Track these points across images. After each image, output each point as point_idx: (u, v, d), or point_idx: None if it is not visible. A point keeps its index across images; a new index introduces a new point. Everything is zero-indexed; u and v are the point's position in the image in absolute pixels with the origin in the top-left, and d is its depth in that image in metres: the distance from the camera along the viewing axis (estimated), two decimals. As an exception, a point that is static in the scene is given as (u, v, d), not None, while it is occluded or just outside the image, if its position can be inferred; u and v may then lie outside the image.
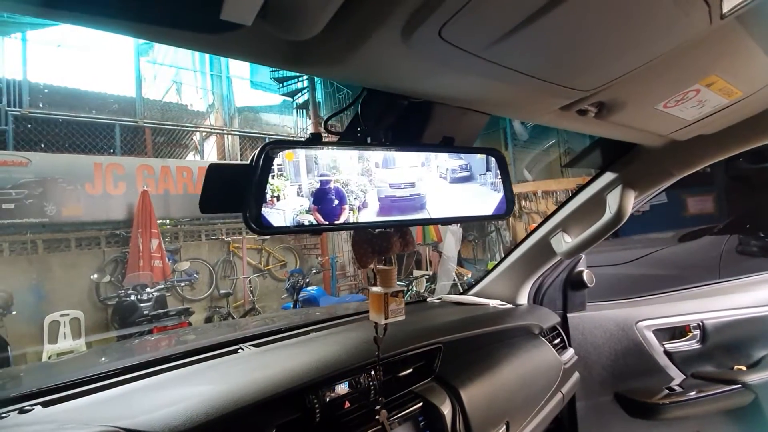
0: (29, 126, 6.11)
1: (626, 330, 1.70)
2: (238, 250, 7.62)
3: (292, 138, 7.59)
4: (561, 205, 1.42)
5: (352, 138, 0.60)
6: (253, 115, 9.12)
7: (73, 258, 5.94)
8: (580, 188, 1.35)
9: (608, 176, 1.24)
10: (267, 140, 8.91)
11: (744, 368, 1.71)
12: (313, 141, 0.51)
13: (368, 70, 0.47)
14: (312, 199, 0.51)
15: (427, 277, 7.38)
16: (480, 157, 0.67)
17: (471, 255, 8.88)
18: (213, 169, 0.47)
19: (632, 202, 1.20)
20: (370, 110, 0.59)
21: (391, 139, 0.60)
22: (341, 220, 0.53)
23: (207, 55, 8.73)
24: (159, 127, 7.45)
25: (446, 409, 0.90)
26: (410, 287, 6.88)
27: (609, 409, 1.67)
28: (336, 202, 0.52)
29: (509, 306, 1.54)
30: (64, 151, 6.25)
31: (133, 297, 5.09)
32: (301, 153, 0.51)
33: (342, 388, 0.83)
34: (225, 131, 8.40)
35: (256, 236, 7.91)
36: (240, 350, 1.08)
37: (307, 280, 6.20)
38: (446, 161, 0.64)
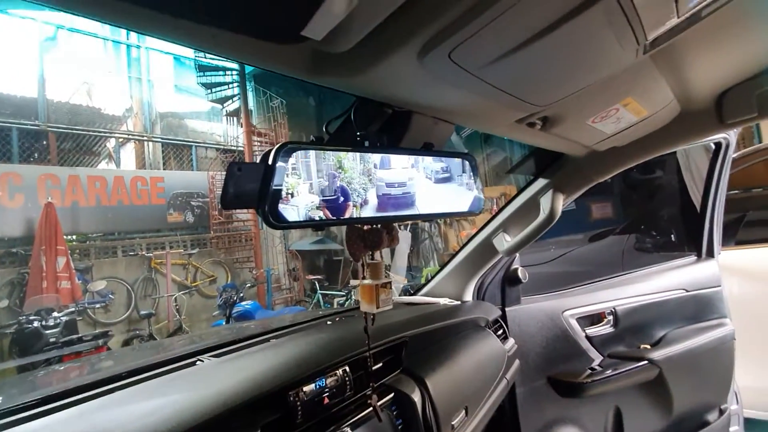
0: None
1: (554, 319, 1.91)
2: (161, 267, 7.06)
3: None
4: (502, 208, 1.58)
5: (350, 141, 0.65)
6: (177, 122, 8.55)
7: (-45, 282, 5.08)
8: (518, 193, 1.52)
9: (541, 182, 1.42)
10: (195, 148, 8.41)
11: (649, 347, 2.01)
12: (320, 143, 0.55)
13: (380, 84, 0.53)
14: (321, 196, 0.56)
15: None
16: (457, 161, 0.76)
17: (406, 263, 9.11)
18: (233, 168, 0.49)
19: (561, 204, 1.38)
20: (361, 117, 0.65)
21: (384, 143, 0.66)
22: (346, 215, 0.58)
23: (125, 57, 8.07)
24: (66, 131, 6.69)
25: (416, 398, 0.97)
26: (349, 296, 6.90)
27: (543, 392, 1.85)
28: (342, 199, 0.57)
29: (457, 302, 1.66)
30: (-56, 157, 5.35)
31: (36, 323, 4.47)
32: (311, 154, 0.55)
33: (320, 386, 0.85)
34: (145, 138, 7.78)
35: (181, 251, 7.40)
36: (199, 362, 1.05)
37: (242, 294, 5.92)
38: (431, 164, 0.72)
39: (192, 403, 0.72)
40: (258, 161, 0.50)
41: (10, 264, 5.55)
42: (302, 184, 0.53)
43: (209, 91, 8.23)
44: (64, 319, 4.70)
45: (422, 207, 0.68)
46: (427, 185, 0.70)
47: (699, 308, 2.07)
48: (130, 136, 7.77)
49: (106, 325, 6.18)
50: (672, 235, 2.72)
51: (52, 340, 4.30)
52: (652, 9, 0.48)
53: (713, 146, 2.04)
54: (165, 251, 7.05)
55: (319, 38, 0.37)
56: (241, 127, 7.92)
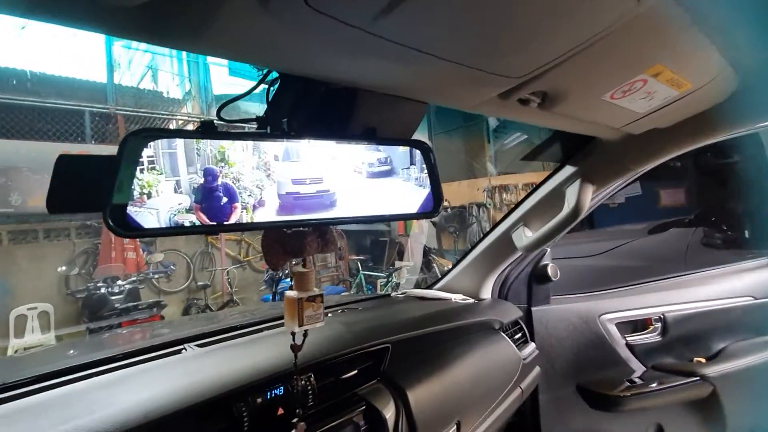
0: (-9, 111, 5.80)
1: (589, 323, 1.70)
2: (217, 241, 7.48)
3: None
4: (522, 200, 1.39)
5: (252, 127, 0.54)
6: (231, 104, 8.86)
7: (40, 250, 5.73)
8: (541, 182, 1.32)
9: (568, 170, 1.21)
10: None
11: (703, 360, 1.74)
12: (201, 131, 0.45)
13: (232, 44, 0.41)
14: (194, 196, 0.45)
15: (409, 267, 7.37)
16: (403, 150, 0.62)
17: (452, 246, 8.92)
18: (64, 161, 0.40)
19: (590, 197, 1.17)
20: (281, 96, 0.54)
21: (300, 130, 0.54)
22: (232, 220, 0.48)
23: (183, 40, 8.43)
24: (133, 114, 7.18)
25: (389, 413, 0.87)
26: (390, 278, 6.88)
27: (571, 402, 1.67)
28: (224, 199, 0.46)
29: (471, 301, 1.52)
30: (30, 138, 5.96)
31: (103, 290, 4.94)
32: (179, 143, 0.45)
33: (275, 394, 0.78)
34: (202, 120, 8.17)
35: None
36: (184, 350, 1.03)
37: (287, 271, 6.10)
38: (362, 154, 0.59)
39: (136, 405, 0.68)
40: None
41: (86, 235, 6.14)
42: (164, 182, 0.43)
43: (260, 72, 8.40)
44: (127, 287, 5.16)
45: (347, 209, 0.56)
46: (355, 181, 0.57)
47: (768, 319, 1.76)
48: (189, 119, 8.19)
49: (168, 293, 6.70)
50: (746, 232, 2.32)
51: (116, 305, 4.73)
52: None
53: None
54: (220, 227, 7.44)
55: None
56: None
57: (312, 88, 0.54)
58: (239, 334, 1.15)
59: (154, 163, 0.43)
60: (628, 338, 1.73)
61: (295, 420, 0.66)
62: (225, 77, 8.91)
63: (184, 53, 8.43)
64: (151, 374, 0.87)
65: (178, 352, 1.02)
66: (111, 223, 0.39)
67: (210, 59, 8.53)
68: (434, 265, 7.31)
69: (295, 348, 0.64)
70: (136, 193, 0.41)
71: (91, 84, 6.94)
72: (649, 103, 0.79)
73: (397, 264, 7.80)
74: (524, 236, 1.35)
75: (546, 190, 1.29)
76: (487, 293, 1.60)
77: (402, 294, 1.66)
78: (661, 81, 0.72)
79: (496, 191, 8.51)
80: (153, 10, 0.32)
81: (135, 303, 4.66)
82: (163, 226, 0.43)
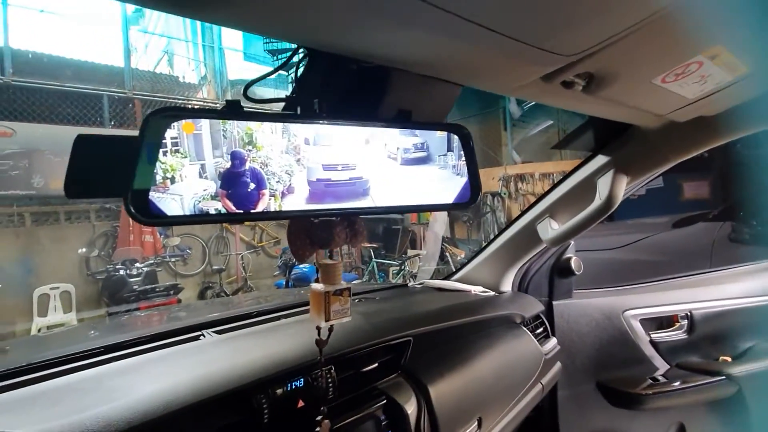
0: (12, 95, 5.89)
1: (612, 319, 1.65)
2: (232, 227, 7.55)
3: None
4: (549, 190, 1.33)
5: (281, 108, 0.50)
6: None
7: (62, 231, 5.86)
8: (570, 172, 1.26)
9: (600, 159, 1.15)
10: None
11: (729, 359, 1.68)
12: (229, 110, 0.42)
13: (266, 16, 0.37)
14: (220, 182, 0.42)
15: (421, 256, 7.35)
16: (440, 135, 0.57)
17: (465, 235, 8.86)
18: (82, 142, 0.37)
19: (624, 188, 1.11)
20: (309, 75, 0.50)
21: (332, 111, 0.50)
22: (259, 208, 0.44)
23: (199, 26, 8.41)
24: (149, 99, 7.22)
25: (410, 407, 0.84)
26: (403, 267, 6.86)
27: (591, 398, 1.63)
28: (252, 185, 0.43)
29: (492, 294, 1.48)
30: (50, 121, 6.05)
31: (122, 272, 5.04)
32: (204, 124, 0.42)
33: (296, 386, 0.76)
34: (217, 104, 8.18)
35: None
36: (202, 337, 1.02)
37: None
38: (397, 139, 0.54)
39: (152, 395, 0.67)
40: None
41: (105, 218, 6.26)
42: (189, 166, 0.40)
43: (275, 58, 8.35)
44: (145, 269, 5.25)
45: (381, 198, 0.52)
46: (389, 168, 0.53)
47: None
48: (205, 103, 8.20)
49: (184, 276, 6.81)
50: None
51: (134, 287, 4.82)
52: None
53: None
54: (234, 213, 7.51)
55: None
56: (305, 93, 7.96)
57: (342, 66, 0.50)
58: (257, 321, 1.13)
59: (177, 146, 0.39)
60: (652, 335, 1.68)
61: (319, 417, 0.63)
62: (240, 62, 8.90)
63: (199, 37, 8.43)
64: (170, 361, 0.86)
65: (196, 338, 1.01)
66: (132, 210, 0.36)
67: (225, 43, 8.50)
68: (447, 254, 7.28)
69: (320, 343, 0.62)
70: (158, 178, 0.38)
71: (109, 68, 6.99)
72: (701, 88, 0.73)
73: (410, 252, 7.78)
74: (550, 228, 1.30)
75: (575, 180, 1.23)
76: (507, 286, 1.56)
77: (419, 284, 1.62)
78: (717, 64, 0.66)
79: (511, 180, 8.37)
80: None
81: (153, 285, 4.74)
82: (187, 213, 0.40)
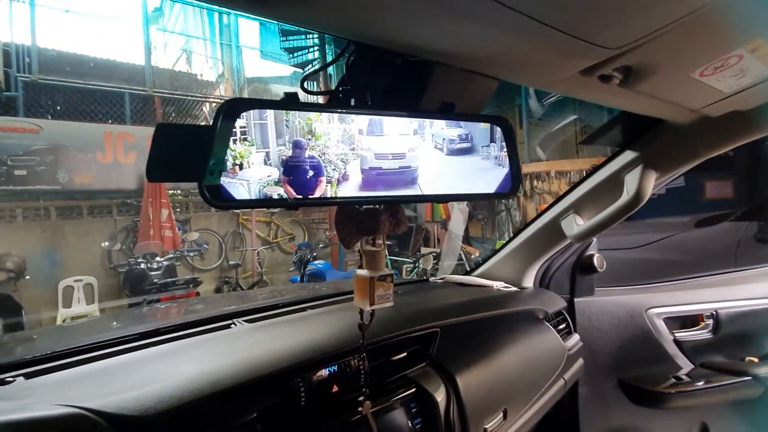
0: (39, 92, 6.07)
1: (635, 317, 1.64)
2: (248, 223, 7.66)
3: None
4: (574, 186, 1.33)
5: (333, 100, 0.52)
6: (262, 86, 8.95)
7: (85, 225, 6.03)
8: (596, 168, 1.26)
9: (628, 155, 1.15)
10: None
11: (756, 360, 1.65)
12: (287, 102, 0.44)
13: (343, 15, 0.39)
14: (282, 168, 0.45)
15: (435, 254, 7.33)
16: (483, 127, 0.59)
17: (480, 234, 8.80)
18: (163, 130, 0.40)
19: (652, 184, 1.11)
20: (357, 68, 0.52)
21: (380, 103, 0.52)
22: (317, 194, 0.47)
23: (217, 24, 8.53)
24: (168, 96, 7.37)
25: (440, 396, 0.86)
26: (417, 264, 6.87)
27: (612, 396, 1.63)
28: (311, 173, 0.45)
29: (514, 289, 1.48)
30: (74, 118, 6.23)
31: (143, 265, 5.17)
32: (269, 115, 0.44)
33: (330, 372, 0.79)
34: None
35: (264, 209, 7.93)
36: (233, 325, 1.05)
37: (315, 254, 6.20)
38: (443, 130, 0.56)
39: (199, 375, 0.70)
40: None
41: (126, 213, 6.42)
42: (255, 153, 0.42)
43: (291, 55, 8.43)
44: (165, 263, 5.38)
45: (428, 186, 0.54)
46: (436, 158, 0.55)
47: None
48: (222, 101, 8.32)
49: (201, 271, 6.94)
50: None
51: (155, 280, 4.94)
52: None
53: None
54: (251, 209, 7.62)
55: None
56: (320, 89, 8.03)
57: (389, 60, 0.52)
58: (285, 312, 1.16)
59: (246, 134, 0.42)
60: (676, 334, 1.66)
61: (361, 398, 0.66)
62: (256, 60, 9.00)
63: (217, 36, 8.54)
64: (206, 347, 0.89)
65: (227, 326, 1.04)
66: (206, 194, 0.39)
67: (243, 41, 8.60)
68: (461, 252, 7.26)
69: (363, 327, 0.64)
70: (228, 164, 0.41)
71: (130, 66, 7.15)
72: (738, 82, 0.73)
73: (423, 250, 7.78)
74: (575, 224, 1.30)
75: (602, 176, 1.23)
76: (529, 282, 1.57)
77: (440, 279, 1.64)
78: (758, 57, 0.66)
79: (527, 179, 8.28)
80: None
81: (173, 279, 4.85)
82: (253, 198, 0.43)
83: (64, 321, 4.93)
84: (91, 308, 5.36)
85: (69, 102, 6.28)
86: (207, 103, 8.12)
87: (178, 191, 7.26)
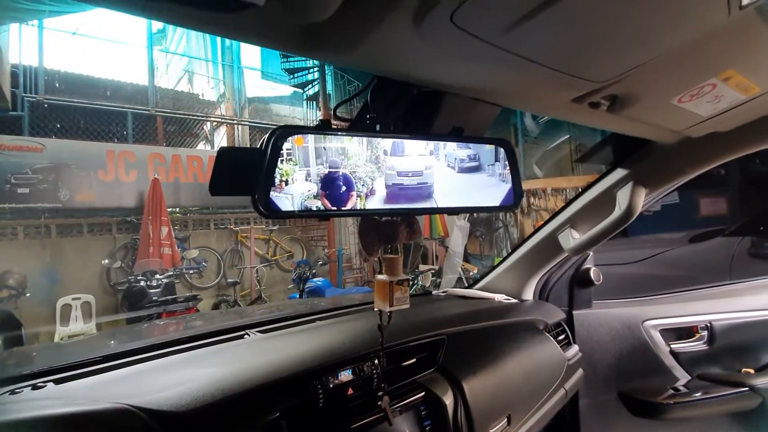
0: (44, 112, 6.18)
1: (632, 329, 1.69)
2: (246, 240, 7.67)
3: (302, 124, 7.48)
4: (570, 201, 1.41)
5: (361, 125, 0.60)
6: (263, 106, 9.13)
7: (85, 243, 6.04)
8: (590, 184, 1.34)
9: (619, 173, 1.23)
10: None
11: (752, 371, 1.70)
12: (323, 127, 0.52)
13: (379, 56, 0.47)
14: (320, 184, 0.52)
15: (433, 271, 7.35)
16: (489, 148, 0.66)
17: (477, 251, 8.84)
18: (224, 152, 0.47)
19: (642, 200, 1.18)
20: (380, 98, 0.59)
21: (401, 128, 0.60)
22: (348, 206, 0.54)
23: (219, 45, 8.75)
24: (170, 116, 7.50)
25: (448, 400, 0.91)
26: (416, 281, 6.88)
27: (612, 407, 1.66)
28: (344, 188, 0.53)
29: (514, 301, 1.54)
30: (78, 137, 6.32)
31: (142, 283, 5.16)
32: (310, 139, 0.51)
33: (346, 375, 0.84)
34: (235, 121, 8.44)
35: (264, 227, 7.97)
36: (246, 336, 1.10)
37: (314, 271, 6.20)
38: (455, 150, 0.64)
39: (226, 376, 0.75)
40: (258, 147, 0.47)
41: (126, 230, 6.45)
42: (298, 171, 0.50)
43: (291, 76, 8.63)
44: (164, 281, 5.37)
45: (442, 200, 0.61)
46: (448, 175, 0.62)
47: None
48: (223, 120, 8.47)
49: (200, 289, 6.92)
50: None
51: (154, 298, 4.93)
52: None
53: None
54: (250, 226, 7.65)
55: (261, 2, 0.33)
56: (320, 110, 8.20)
57: (406, 90, 0.59)
58: (295, 323, 1.21)
59: (291, 155, 0.49)
60: (672, 345, 1.71)
61: (380, 393, 0.71)
62: (257, 80, 9.19)
63: (219, 57, 8.75)
64: (227, 353, 0.94)
65: (241, 337, 1.09)
66: (259, 206, 0.46)
67: (244, 62, 8.80)
68: (459, 269, 7.28)
69: (382, 327, 0.70)
70: (277, 180, 0.48)
71: (133, 86, 7.31)
72: (714, 107, 0.81)
73: (422, 267, 7.79)
74: (571, 238, 1.37)
75: (595, 192, 1.31)
76: (529, 294, 1.62)
77: (443, 292, 1.69)
78: (729, 85, 0.74)
79: (523, 196, 8.39)
80: (316, 27, 0.38)
81: (173, 296, 4.85)
82: (296, 209, 0.49)
83: (61, 339, 4.89)
84: (88, 326, 5.32)
85: (73, 121, 6.39)
86: (208, 122, 8.27)
87: (177, 209, 7.30)
